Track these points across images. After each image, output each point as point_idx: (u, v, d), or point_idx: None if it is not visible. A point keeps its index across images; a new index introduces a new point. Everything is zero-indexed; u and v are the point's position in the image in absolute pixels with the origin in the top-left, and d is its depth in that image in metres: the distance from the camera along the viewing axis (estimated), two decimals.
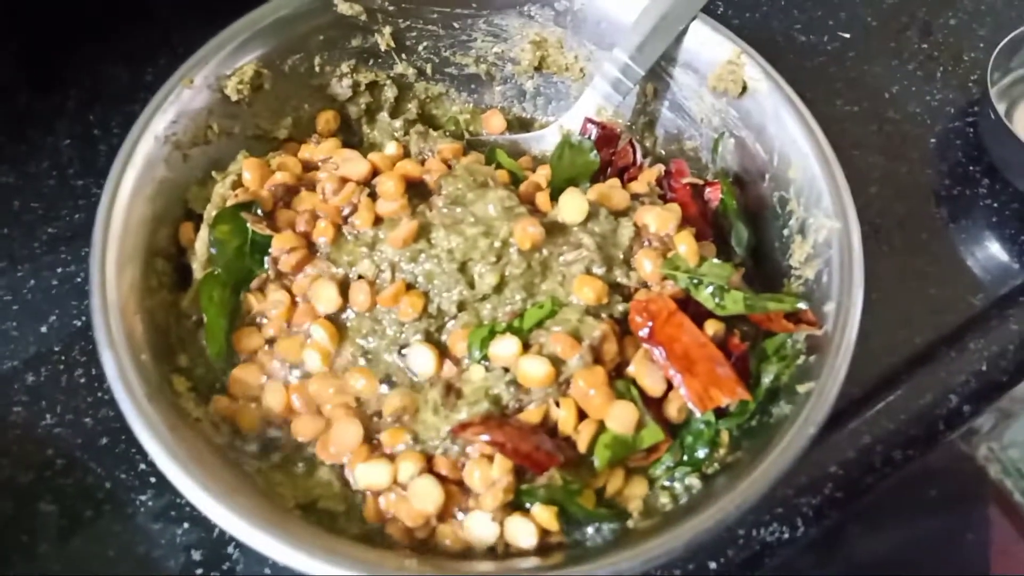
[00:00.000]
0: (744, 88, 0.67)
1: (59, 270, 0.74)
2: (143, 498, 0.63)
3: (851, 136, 0.86)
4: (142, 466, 0.64)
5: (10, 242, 0.75)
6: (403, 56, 0.74)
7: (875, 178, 0.84)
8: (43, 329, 0.70)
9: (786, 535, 0.65)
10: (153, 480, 0.64)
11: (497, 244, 0.59)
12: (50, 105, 0.83)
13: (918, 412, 0.71)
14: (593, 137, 0.67)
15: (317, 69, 0.71)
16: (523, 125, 0.80)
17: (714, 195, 0.67)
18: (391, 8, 0.71)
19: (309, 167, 0.67)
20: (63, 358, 0.69)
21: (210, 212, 0.62)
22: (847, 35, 0.94)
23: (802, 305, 0.58)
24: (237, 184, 0.64)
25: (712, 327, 0.58)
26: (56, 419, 0.66)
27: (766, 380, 0.56)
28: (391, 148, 0.68)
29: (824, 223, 0.60)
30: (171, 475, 0.51)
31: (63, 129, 0.82)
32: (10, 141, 0.80)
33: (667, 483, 0.56)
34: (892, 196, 0.83)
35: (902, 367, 0.73)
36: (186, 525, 0.63)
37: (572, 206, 0.60)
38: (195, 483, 0.50)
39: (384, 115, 0.75)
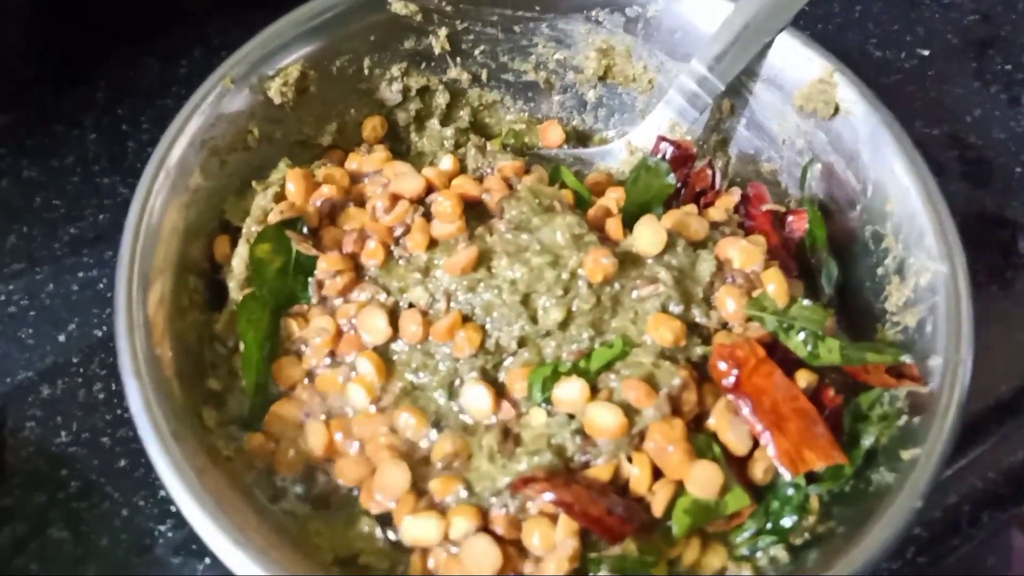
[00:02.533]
0: (836, 110, 0.61)
1: (80, 274, 0.70)
2: (163, 528, 0.59)
3: (929, 162, 0.80)
4: (163, 493, 0.60)
5: (29, 242, 0.71)
6: (458, 60, 0.70)
7: (955, 209, 0.77)
8: (61, 338, 0.66)
9: None
10: (174, 509, 0.58)
11: (564, 276, 0.54)
12: (78, 97, 0.79)
13: (1008, 468, 0.65)
14: (667, 157, 0.61)
15: (366, 72, 0.67)
16: (581, 138, 0.74)
17: (798, 225, 0.61)
18: (448, 8, 0.67)
19: (356, 179, 0.62)
20: (81, 371, 0.65)
21: (249, 226, 0.58)
22: (926, 52, 0.88)
23: (907, 358, 0.52)
24: (279, 196, 0.59)
25: (804, 378, 0.52)
26: (72, 437, 0.62)
27: (866, 442, 0.51)
28: (447, 163, 0.62)
29: (927, 265, 0.55)
30: (199, 526, 0.46)
31: (90, 123, 0.78)
32: (35, 134, 0.77)
33: (747, 552, 0.50)
34: (974, 229, 0.77)
35: (988, 417, 0.68)
36: (208, 560, 0.59)
37: (649, 236, 0.54)
38: (227, 537, 0.45)
39: (434, 122, 0.70)
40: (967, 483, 0.64)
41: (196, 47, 0.82)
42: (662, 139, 0.63)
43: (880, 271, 0.58)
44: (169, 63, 0.81)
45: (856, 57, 0.89)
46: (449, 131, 0.69)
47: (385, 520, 0.52)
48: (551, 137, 0.72)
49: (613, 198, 0.60)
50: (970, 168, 0.81)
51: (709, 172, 0.64)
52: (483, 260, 0.55)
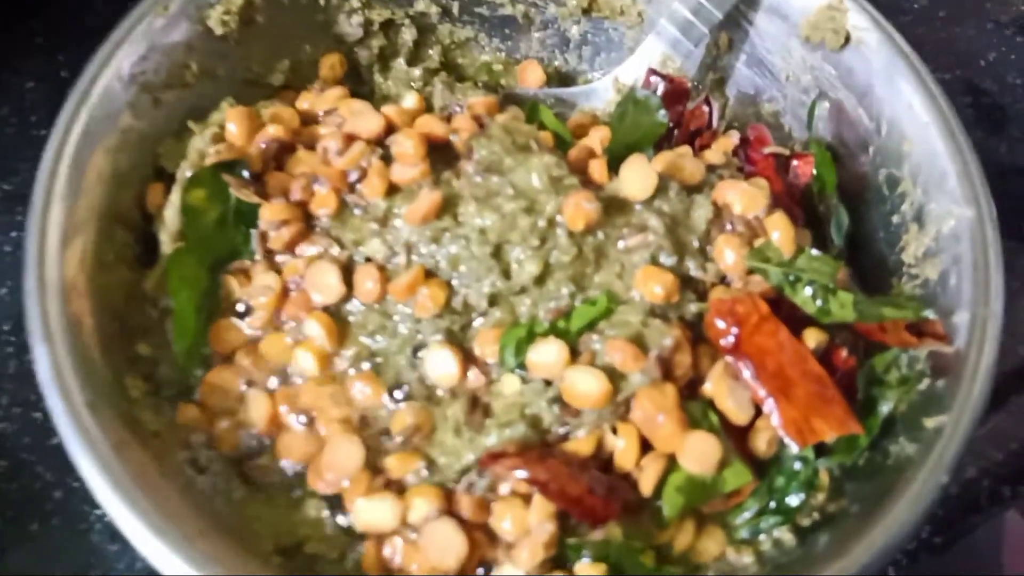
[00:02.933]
0: (847, 39, 0.55)
1: (12, 234, 0.65)
2: (99, 512, 0.55)
3: None
4: None
5: None
6: None
7: None
8: None
9: None
10: None
11: (541, 223, 0.48)
12: (14, 42, 0.74)
13: None
14: (659, 92, 0.55)
15: (322, 2, 0.61)
16: (564, 80, 0.68)
17: (803, 170, 0.56)
18: None
19: (309, 120, 0.56)
20: (12, 339, 0.61)
21: (184, 171, 0.52)
22: None
23: (929, 313, 0.46)
24: (219, 138, 0.53)
25: (814, 338, 0.46)
26: (1, 412, 0.58)
27: (884, 409, 0.45)
28: (410, 100, 0.56)
29: (950, 210, 0.49)
30: (111, 508, 0.41)
31: (29, 70, 0.73)
32: None
33: (748, 535, 0.44)
34: (989, 179, 0.73)
35: (1009, 383, 0.64)
36: None
37: (637, 178, 0.49)
38: (144, 523, 0.39)
39: (400, 62, 0.64)
40: (986, 455, 0.60)
41: None
42: (653, 72, 0.56)
43: (896, 219, 0.53)
44: (115, 4, 0.75)
45: None
46: (417, 71, 0.64)
47: (336, 503, 0.47)
48: (530, 78, 0.67)
49: (598, 137, 0.54)
50: (984, 115, 0.77)
51: (706, 110, 0.57)
52: (448, 207, 0.49)
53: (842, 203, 0.55)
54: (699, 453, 0.43)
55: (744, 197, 0.49)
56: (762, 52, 0.60)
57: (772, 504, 0.45)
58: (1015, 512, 0.72)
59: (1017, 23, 0.82)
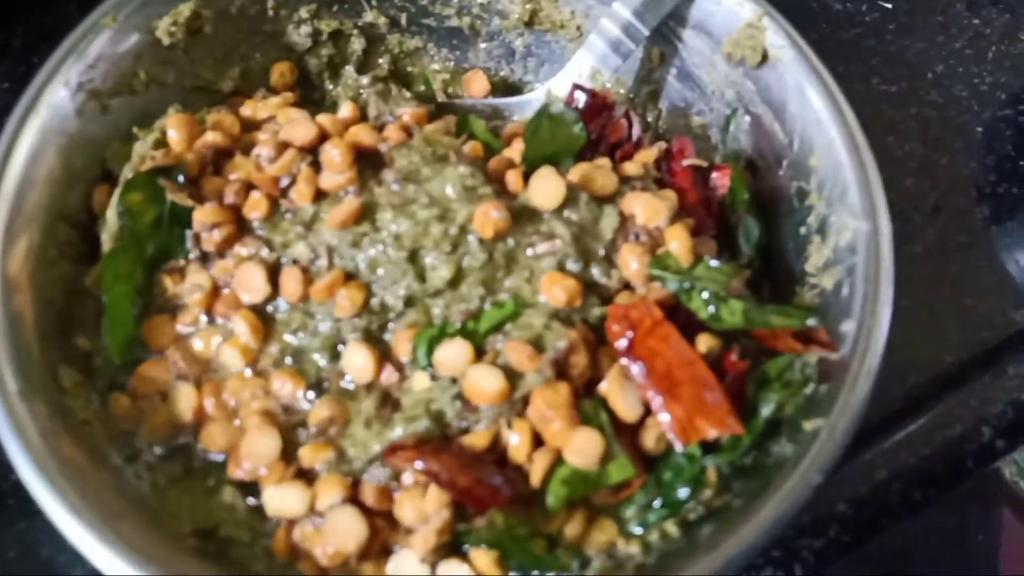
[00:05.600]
0: (764, 57, 0.57)
1: None
2: None
3: (886, 120, 0.77)
4: None
5: None
6: (373, 2, 0.65)
7: (911, 169, 0.75)
8: None
9: None
10: None
11: (453, 230, 0.50)
12: None
13: (944, 445, 0.61)
14: (580, 106, 0.57)
15: (270, 13, 0.63)
16: (511, 90, 0.70)
17: (721, 182, 0.57)
18: None
19: (250, 127, 0.58)
20: None
21: (125, 174, 0.54)
22: (888, 5, 0.84)
23: (813, 322, 0.48)
24: (161, 143, 0.55)
25: (705, 342, 0.48)
26: None
27: (765, 411, 0.47)
28: (345, 110, 0.58)
29: (848, 223, 0.51)
30: (35, 491, 0.43)
31: (3, 72, 0.74)
32: None
33: (639, 527, 0.47)
34: (928, 190, 0.74)
35: (928, 390, 0.64)
36: None
37: (545, 189, 0.50)
38: (63, 504, 0.42)
39: (350, 69, 0.66)
40: (898, 459, 0.60)
41: None
42: (576, 87, 0.58)
43: (803, 230, 0.54)
44: (89, 7, 0.77)
45: (816, 8, 0.85)
46: (366, 79, 0.65)
47: (251, 489, 0.49)
48: (475, 87, 0.68)
49: (518, 149, 0.56)
50: (928, 126, 0.77)
51: (624, 123, 0.59)
52: (368, 213, 0.51)
53: (757, 215, 0.57)
54: (583, 448, 0.44)
55: (646, 208, 0.51)
56: (690, 67, 0.62)
57: (660, 498, 0.46)
58: (1011, 514, 0.73)
59: (967, 36, 0.83)
